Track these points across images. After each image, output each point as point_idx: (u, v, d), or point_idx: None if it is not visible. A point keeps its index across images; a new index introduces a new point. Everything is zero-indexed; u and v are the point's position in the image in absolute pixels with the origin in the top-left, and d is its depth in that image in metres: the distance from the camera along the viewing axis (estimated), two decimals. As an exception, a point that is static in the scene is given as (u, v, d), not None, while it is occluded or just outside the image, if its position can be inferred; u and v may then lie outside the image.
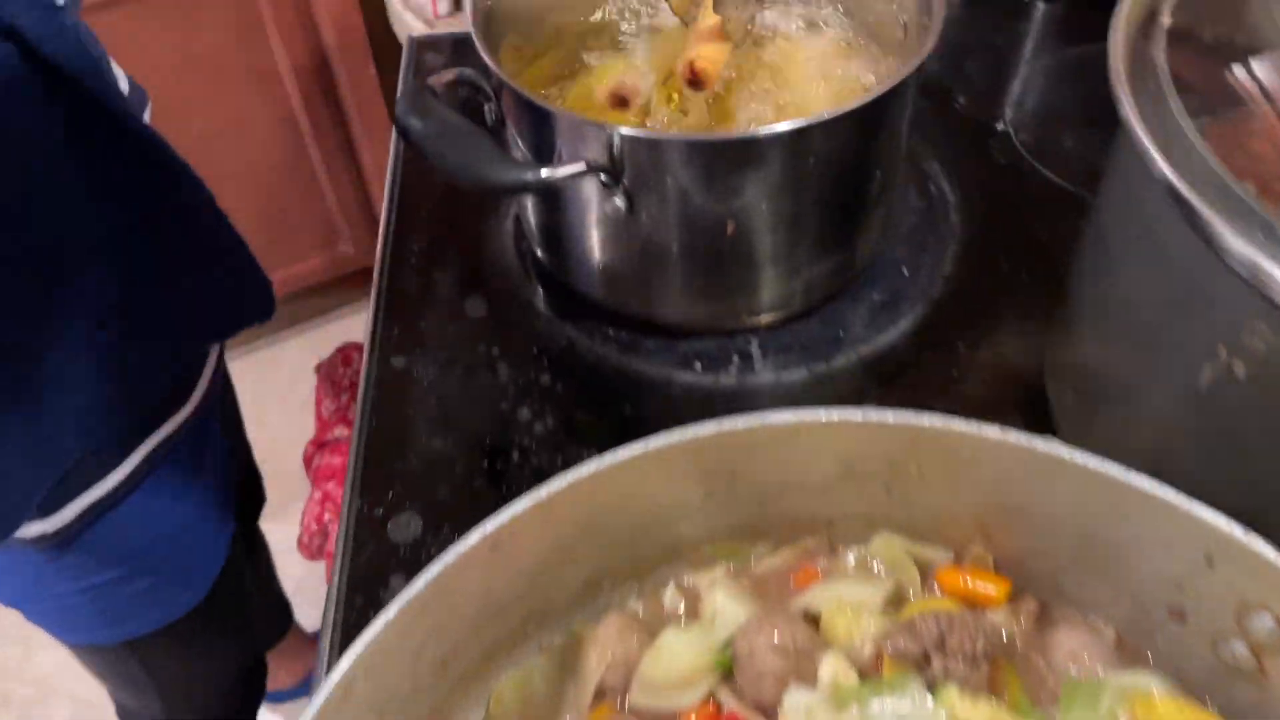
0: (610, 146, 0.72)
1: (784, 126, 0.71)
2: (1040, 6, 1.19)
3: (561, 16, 0.91)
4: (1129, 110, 0.59)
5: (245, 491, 1.27)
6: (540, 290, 0.91)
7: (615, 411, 0.83)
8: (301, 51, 2.05)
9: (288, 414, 2.18)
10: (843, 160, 0.77)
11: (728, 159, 0.73)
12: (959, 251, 0.93)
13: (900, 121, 0.80)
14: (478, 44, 0.77)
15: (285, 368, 2.31)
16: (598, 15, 0.93)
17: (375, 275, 0.91)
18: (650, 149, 0.73)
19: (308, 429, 2.12)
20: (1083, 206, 0.95)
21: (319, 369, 2.19)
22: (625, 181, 0.75)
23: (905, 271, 0.92)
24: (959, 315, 0.88)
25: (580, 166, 0.72)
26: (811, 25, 0.92)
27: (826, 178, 0.78)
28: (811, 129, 0.72)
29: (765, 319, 0.87)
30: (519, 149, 0.80)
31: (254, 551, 1.39)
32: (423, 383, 0.83)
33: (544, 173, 0.71)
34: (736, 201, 0.76)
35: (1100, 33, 0.62)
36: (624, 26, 0.92)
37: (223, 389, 1.10)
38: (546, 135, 0.76)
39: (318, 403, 2.13)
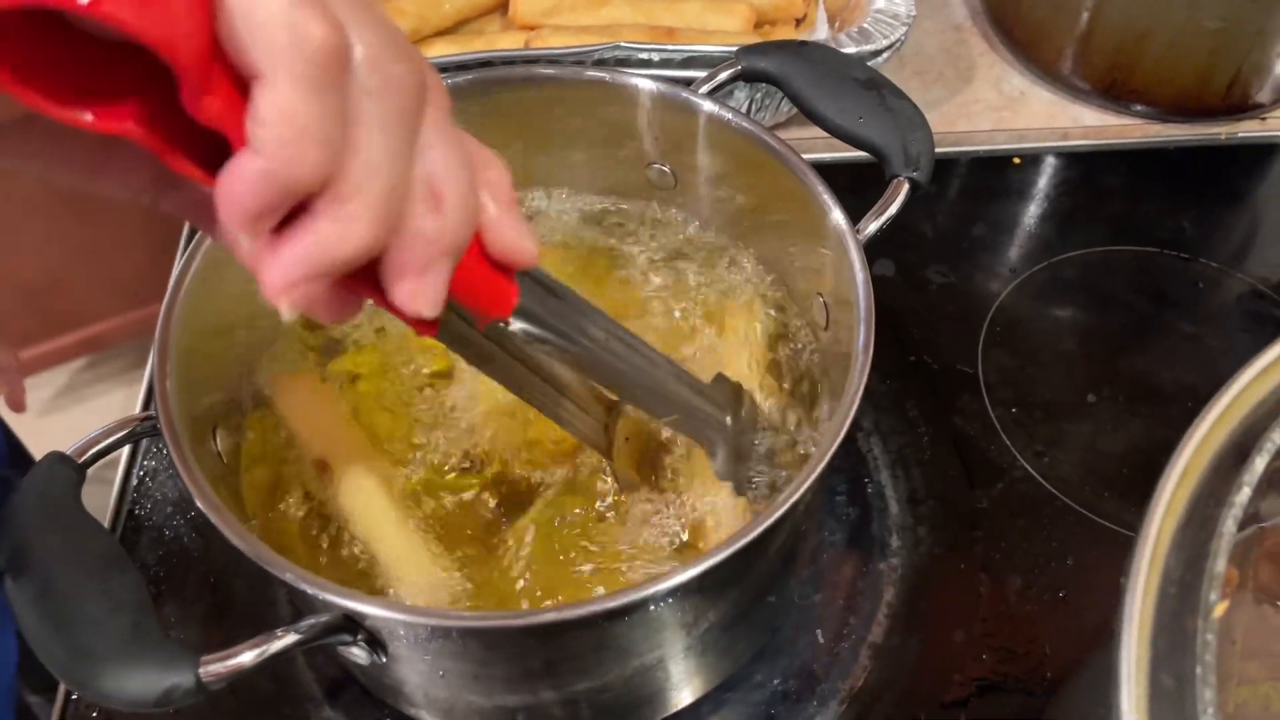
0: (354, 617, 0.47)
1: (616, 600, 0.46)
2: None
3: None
4: None
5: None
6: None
7: None
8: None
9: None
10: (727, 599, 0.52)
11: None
12: (897, 606, 0.67)
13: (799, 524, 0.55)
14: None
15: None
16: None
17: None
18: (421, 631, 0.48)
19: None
20: (1104, 534, 0.70)
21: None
22: (379, 648, 0.49)
23: (821, 636, 0.66)
24: (890, 719, 0.63)
25: (292, 639, 0.46)
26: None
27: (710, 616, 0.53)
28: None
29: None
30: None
31: None
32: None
33: (214, 669, 0.44)
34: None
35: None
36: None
37: None
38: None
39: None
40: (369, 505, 0.58)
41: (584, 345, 0.46)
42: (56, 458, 0.50)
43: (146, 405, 0.79)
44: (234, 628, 0.67)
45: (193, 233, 0.86)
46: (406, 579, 0.55)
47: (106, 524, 0.71)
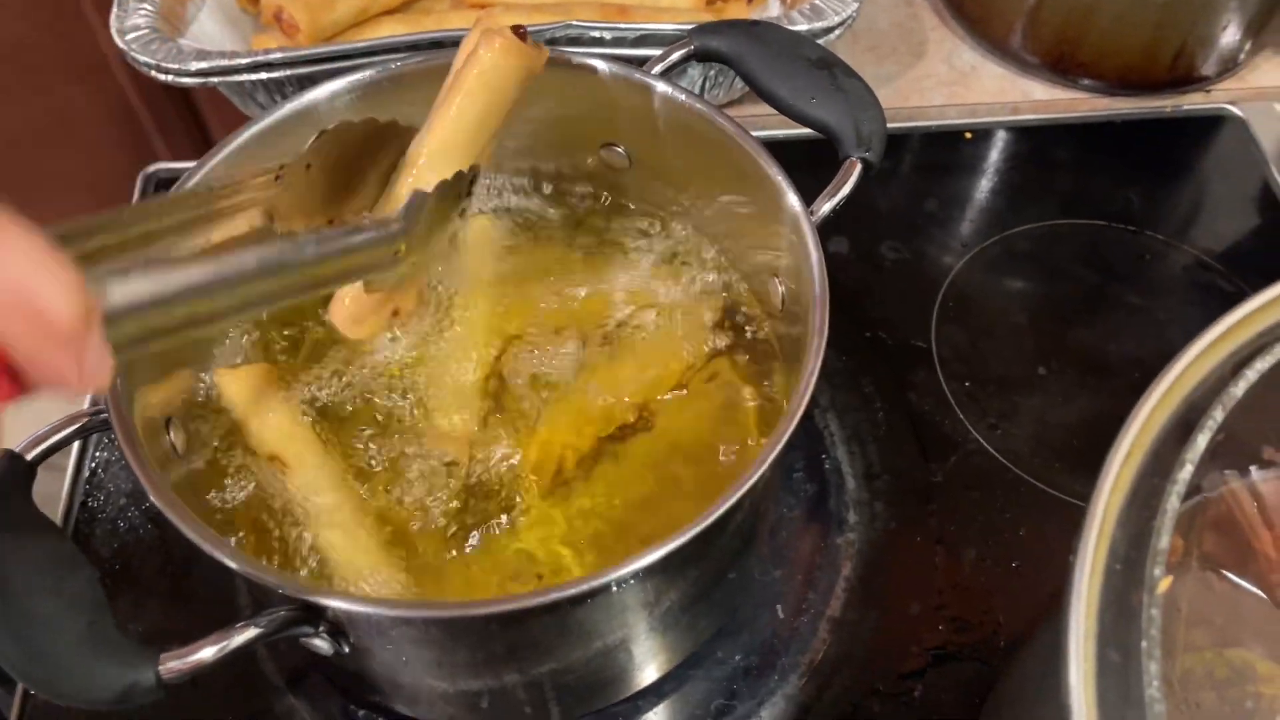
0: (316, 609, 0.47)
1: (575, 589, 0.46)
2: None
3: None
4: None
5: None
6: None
7: None
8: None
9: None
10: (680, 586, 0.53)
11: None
12: (855, 580, 0.68)
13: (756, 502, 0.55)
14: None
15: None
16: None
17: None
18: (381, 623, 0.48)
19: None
20: (1055, 504, 0.71)
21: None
22: (341, 638, 0.49)
23: (781, 612, 0.67)
24: (849, 691, 0.64)
25: (253, 632, 0.46)
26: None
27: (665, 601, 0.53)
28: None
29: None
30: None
31: None
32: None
33: (173, 665, 0.44)
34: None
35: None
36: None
37: None
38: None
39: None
40: (322, 500, 0.58)
41: (197, 314, 0.44)
42: (4, 455, 0.49)
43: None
44: (194, 619, 0.67)
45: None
46: (359, 572, 0.55)
47: (59, 516, 0.70)
